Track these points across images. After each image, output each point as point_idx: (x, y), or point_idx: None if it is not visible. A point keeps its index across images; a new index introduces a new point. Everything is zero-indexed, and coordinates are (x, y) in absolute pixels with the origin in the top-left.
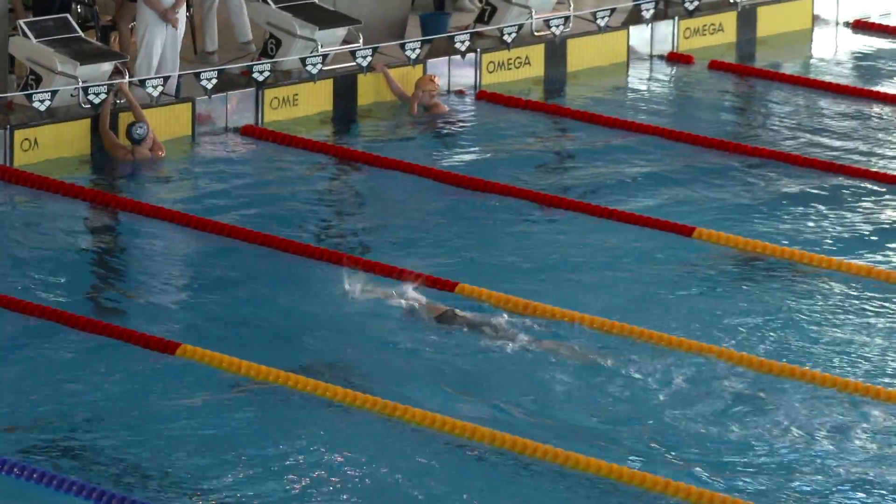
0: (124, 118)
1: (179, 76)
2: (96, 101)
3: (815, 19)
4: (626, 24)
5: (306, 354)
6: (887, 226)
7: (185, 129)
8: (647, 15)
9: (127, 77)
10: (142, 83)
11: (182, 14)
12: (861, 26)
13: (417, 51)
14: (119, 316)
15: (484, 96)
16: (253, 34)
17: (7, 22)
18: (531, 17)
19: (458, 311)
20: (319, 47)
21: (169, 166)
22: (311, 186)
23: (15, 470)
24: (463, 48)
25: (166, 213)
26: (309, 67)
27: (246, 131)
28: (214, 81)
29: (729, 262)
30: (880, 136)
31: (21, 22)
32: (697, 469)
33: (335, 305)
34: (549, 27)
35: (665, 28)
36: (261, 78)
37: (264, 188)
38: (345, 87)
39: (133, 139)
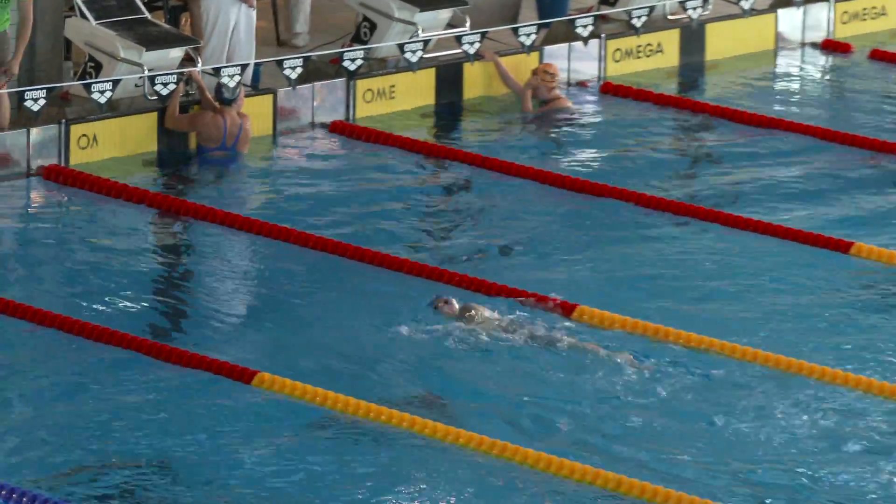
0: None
1: (258, 65)
2: (164, 92)
3: None
4: (774, 7)
5: (397, 385)
6: None
7: (266, 125)
8: None
9: (199, 65)
10: (216, 72)
11: None
12: None
13: (533, 36)
14: (188, 340)
15: (609, 89)
16: (344, 17)
17: (63, 1)
18: None
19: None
20: (420, 32)
21: (246, 167)
22: (409, 192)
23: None
24: (585, 33)
25: (242, 222)
26: (408, 55)
27: (335, 128)
28: (299, 70)
29: (893, 283)
30: None
31: (79, 1)
32: None
33: (429, 330)
34: (685, 10)
35: (819, 11)
36: (352, 67)
37: (354, 194)
38: (449, 77)
39: (224, 99)
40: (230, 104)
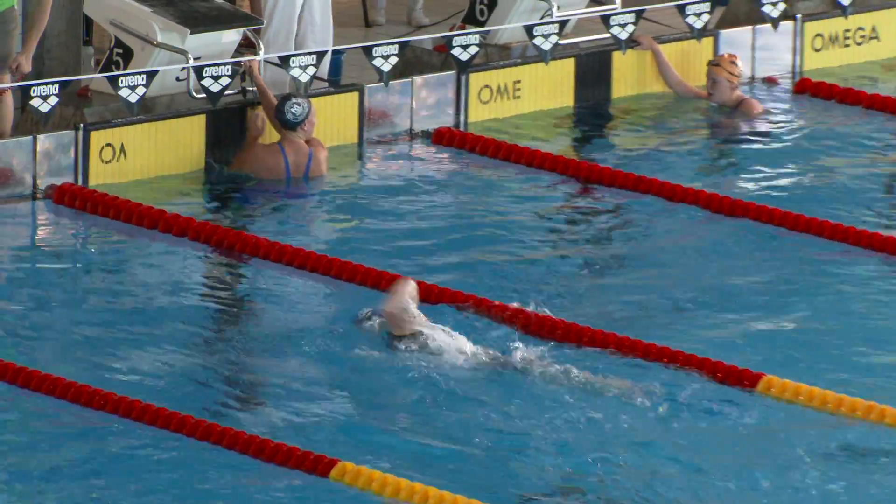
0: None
1: (339, 53)
2: (215, 88)
3: None
4: None
5: (526, 478)
6: None
7: (349, 132)
8: None
9: (261, 53)
10: (283, 62)
11: None
12: None
13: (705, 16)
14: (245, 418)
15: (806, 87)
16: None
17: None
18: None
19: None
20: (555, 9)
21: (321, 190)
22: (538, 224)
23: None
24: (775, 13)
25: (316, 262)
26: (538, 41)
27: (440, 137)
28: (394, 61)
29: None
30: None
31: None
32: None
33: (558, 406)
34: None
35: None
36: (465, 56)
37: (465, 226)
38: (592, 70)
39: (286, 121)
40: (295, 128)
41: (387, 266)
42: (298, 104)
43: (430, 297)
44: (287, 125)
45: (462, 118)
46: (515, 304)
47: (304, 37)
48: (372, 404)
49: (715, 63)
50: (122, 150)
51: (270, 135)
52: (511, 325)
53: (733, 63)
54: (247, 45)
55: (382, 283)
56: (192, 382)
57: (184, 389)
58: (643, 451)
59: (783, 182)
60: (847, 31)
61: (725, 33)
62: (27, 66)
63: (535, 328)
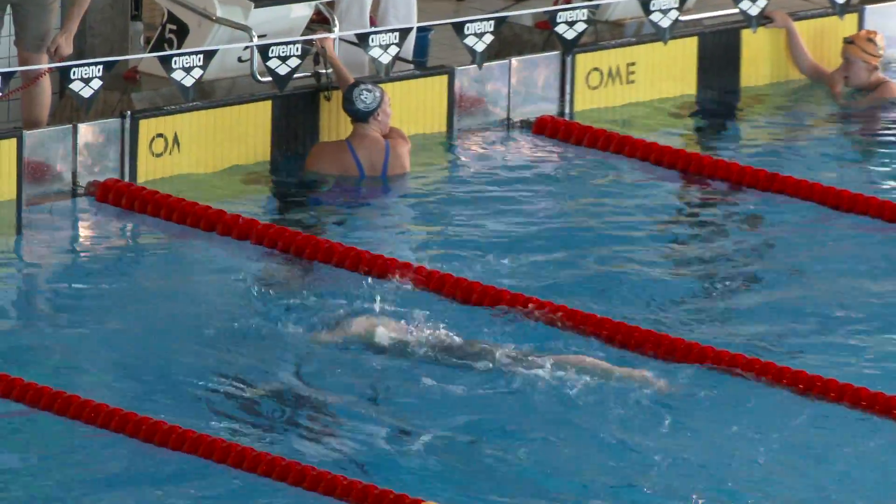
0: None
1: (424, 30)
2: (282, 70)
3: None
4: None
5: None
6: None
7: (437, 121)
8: None
9: (336, 30)
10: (360, 41)
11: None
12: None
13: None
14: (325, 456)
15: None
16: None
17: None
18: None
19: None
20: None
21: (403, 187)
22: (655, 228)
23: None
24: None
25: (398, 269)
26: (655, 17)
27: (542, 126)
28: (489, 39)
29: None
30: None
31: None
32: None
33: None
34: None
35: None
36: (570, 34)
37: (571, 229)
38: (718, 52)
39: (355, 112)
40: (366, 120)
41: (478, 276)
42: (369, 91)
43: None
44: (357, 116)
45: (567, 106)
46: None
47: (384, 11)
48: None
49: (850, 41)
50: (176, 141)
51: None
52: (609, 342)
53: (870, 41)
54: (319, 21)
55: (474, 295)
56: (251, 412)
57: (240, 418)
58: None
59: None
60: None
61: (872, 8)
62: (67, 48)
63: (652, 347)
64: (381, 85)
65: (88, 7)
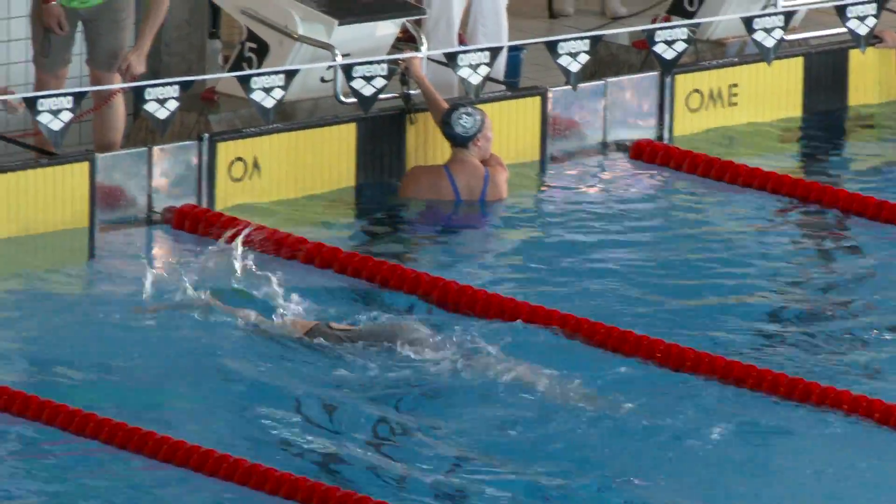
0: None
1: (516, 49)
2: (367, 91)
3: None
4: None
5: None
6: None
7: (530, 145)
8: None
9: (424, 48)
10: (449, 60)
11: None
12: None
13: None
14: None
15: None
16: None
17: None
18: None
19: (333, 324)
20: None
21: (496, 214)
22: (757, 252)
23: None
24: None
25: (489, 302)
26: (759, 36)
27: (639, 150)
28: (584, 59)
29: None
30: None
31: None
32: None
33: None
34: None
35: None
36: (669, 54)
37: (673, 262)
38: (825, 73)
39: (454, 136)
40: (466, 145)
41: (572, 307)
42: (469, 115)
43: (623, 345)
44: (456, 141)
45: (666, 129)
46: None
47: (473, 29)
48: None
49: None
50: (256, 165)
51: (439, 147)
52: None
53: None
54: (406, 40)
55: (568, 325)
56: (337, 462)
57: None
58: None
59: None
60: None
61: None
62: (140, 66)
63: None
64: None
65: (164, 24)
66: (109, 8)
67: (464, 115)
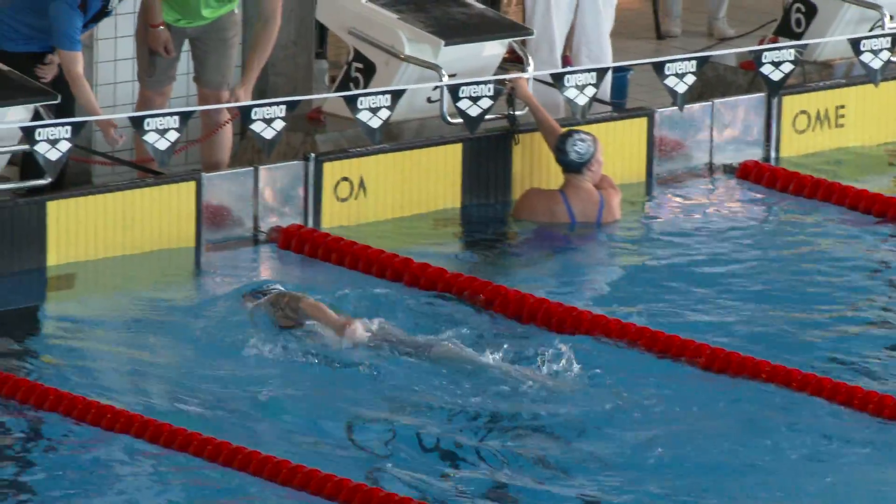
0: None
1: (622, 70)
2: (473, 111)
3: None
4: None
5: None
6: None
7: (635, 165)
8: None
9: (530, 69)
10: (555, 80)
11: None
12: None
13: None
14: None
15: None
16: None
17: None
18: None
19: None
20: (888, 19)
21: (604, 236)
22: (866, 278)
23: None
24: None
25: (593, 323)
26: (866, 57)
27: (746, 171)
28: (691, 80)
29: None
30: None
31: None
32: None
33: None
34: None
35: None
36: (777, 75)
37: (775, 277)
38: None
39: (569, 163)
40: (580, 170)
41: (680, 329)
42: (583, 140)
43: (730, 366)
44: (570, 167)
45: (773, 150)
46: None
47: (577, 51)
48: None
49: None
50: (362, 185)
51: (544, 168)
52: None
53: None
54: (512, 60)
55: (672, 349)
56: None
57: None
58: None
59: None
60: None
61: None
62: (245, 95)
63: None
64: (577, 128)
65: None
66: (217, 27)
67: (578, 142)
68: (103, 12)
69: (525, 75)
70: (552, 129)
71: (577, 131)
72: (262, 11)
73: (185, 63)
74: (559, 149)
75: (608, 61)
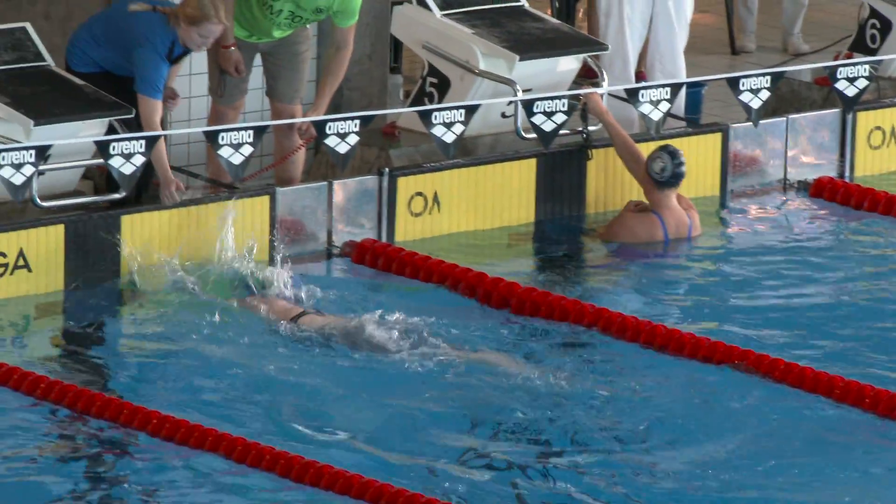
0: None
1: (696, 86)
2: (547, 126)
3: None
4: None
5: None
6: None
7: (709, 181)
8: None
9: (605, 84)
10: (630, 95)
11: None
12: None
13: None
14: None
15: None
16: (843, 11)
17: None
18: None
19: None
20: None
21: (679, 251)
22: None
23: None
24: None
25: (678, 338)
26: None
27: (820, 188)
28: (765, 95)
29: None
30: None
31: None
32: None
33: None
34: None
35: None
36: (851, 91)
37: (850, 296)
38: None
39: (667, 180)
40: (676, 186)
41: (752, 344)
42: (679, 156)
43: (805, 382)
44: (667, 184)
45: (847, 166)
46: None
47: (651, 67)
48: None
49: None
50: (436, 200)
51: (618, 183)
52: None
53: None
54: (586, 76)
55: (749, 361)
56: None
57: None
58: None
59: None
60: None
61: None
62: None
63: None
64: (647, 143)
65: None
66: (289, 41)
67: (680, 157)
68: (185, 54)
69: (599, 90)
70: (626, 145)
71: (672, 147)
72: (334, 39)
73: (258, 77)
74: (661, 166)
75: (682, 77)
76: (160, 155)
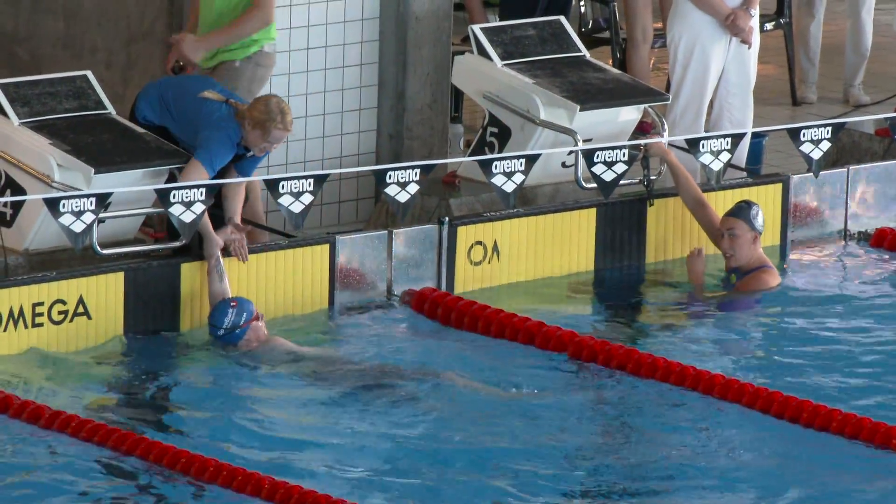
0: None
1: (759, 136)
2: (608, 176)
3: None
4: None
5: None
6: None
7: (771, 229)
8: None
9: (665, 134)
10: (691, 146)
11: (756, 24)
12: None
13: None
14: None
15: None
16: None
17: (451, 28)
18: None
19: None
20: None
21: (738, 299)
22: None
23: None
24: None
25: (737, 388)
26: None
27: (881, 238)
28: (826, 146)
29: None
30: None
31: (476, 28)
32: None
33: None
34: None
35: None
36: None
37: None
38: None
39: (761, 230)
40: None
41: (809, 394)
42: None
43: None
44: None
45: None
46: None
47: (717, 117)
48: None
49: None
50: (496, 249)
51: (678, 232)
52: None
53: None
54: (646, 128)
55: (804, 414)
56: None
57: None
58: None
59: None
60: None
61: None
62: (192, 53)
63: None
64: (707, 193)
65: (406, 107)
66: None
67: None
68: (243, 156)
69: (660, 140)
70: (690, 186)
71: (747, 200)
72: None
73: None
74: (759, 222)
75: (748, 127)
76: (206, 230)
